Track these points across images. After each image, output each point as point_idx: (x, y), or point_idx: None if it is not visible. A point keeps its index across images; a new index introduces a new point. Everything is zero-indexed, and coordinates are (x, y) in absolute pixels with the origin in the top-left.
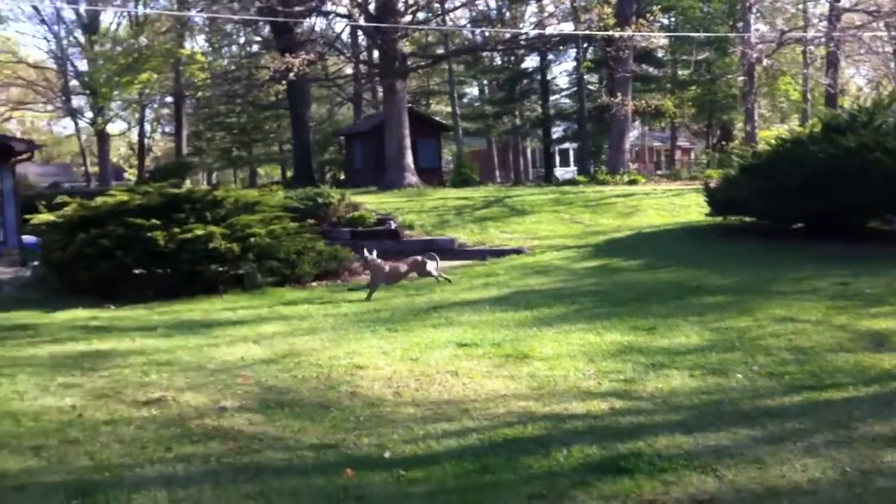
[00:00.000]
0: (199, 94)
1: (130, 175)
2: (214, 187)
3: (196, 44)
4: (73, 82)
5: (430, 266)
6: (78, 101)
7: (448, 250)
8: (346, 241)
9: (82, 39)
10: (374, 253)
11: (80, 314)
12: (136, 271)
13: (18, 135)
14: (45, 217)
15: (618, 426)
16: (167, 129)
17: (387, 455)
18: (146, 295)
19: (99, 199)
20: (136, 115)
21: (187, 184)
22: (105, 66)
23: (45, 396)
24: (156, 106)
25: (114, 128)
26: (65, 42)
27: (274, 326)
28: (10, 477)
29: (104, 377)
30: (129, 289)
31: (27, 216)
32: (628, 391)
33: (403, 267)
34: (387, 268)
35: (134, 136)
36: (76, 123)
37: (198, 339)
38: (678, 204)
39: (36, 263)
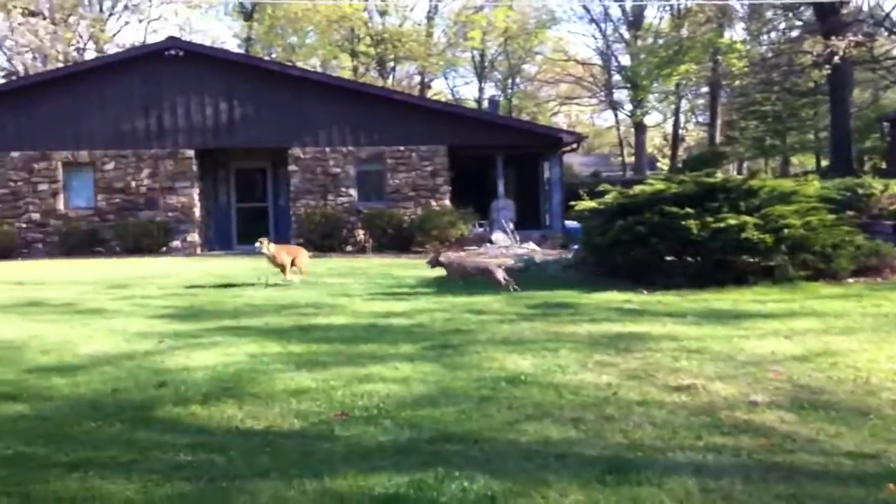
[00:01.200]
0: (736, 82)
1: (662, 165)
2: (750, 176)
3: (735, 32)
4: (616, 77)
5: (498, 274)
6: (619, 95)
7: None
8: (889, 235)
9: (627, 35)
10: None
11: (614, 296)
12: (668, 258)
13: (565, 127)
14: (587, 204)
15: None
16: (700, 119)
17: None
18: (676, 282)
19: (637, 188)
20: (672, 107)
21: (718, 174)
22: (647, 60)
23: (583, 372)
24: (691, 96)
25: (650, 119)
26: (610, 39)
27: (806, 322)
28: (551, 444)
29: (637, 359)
30: (659, 275)
31: (570, 203)
32: None
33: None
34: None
35: (668, 127)
36: (616, 116)
37: (727, 329)
38: None
39: (576, 247)
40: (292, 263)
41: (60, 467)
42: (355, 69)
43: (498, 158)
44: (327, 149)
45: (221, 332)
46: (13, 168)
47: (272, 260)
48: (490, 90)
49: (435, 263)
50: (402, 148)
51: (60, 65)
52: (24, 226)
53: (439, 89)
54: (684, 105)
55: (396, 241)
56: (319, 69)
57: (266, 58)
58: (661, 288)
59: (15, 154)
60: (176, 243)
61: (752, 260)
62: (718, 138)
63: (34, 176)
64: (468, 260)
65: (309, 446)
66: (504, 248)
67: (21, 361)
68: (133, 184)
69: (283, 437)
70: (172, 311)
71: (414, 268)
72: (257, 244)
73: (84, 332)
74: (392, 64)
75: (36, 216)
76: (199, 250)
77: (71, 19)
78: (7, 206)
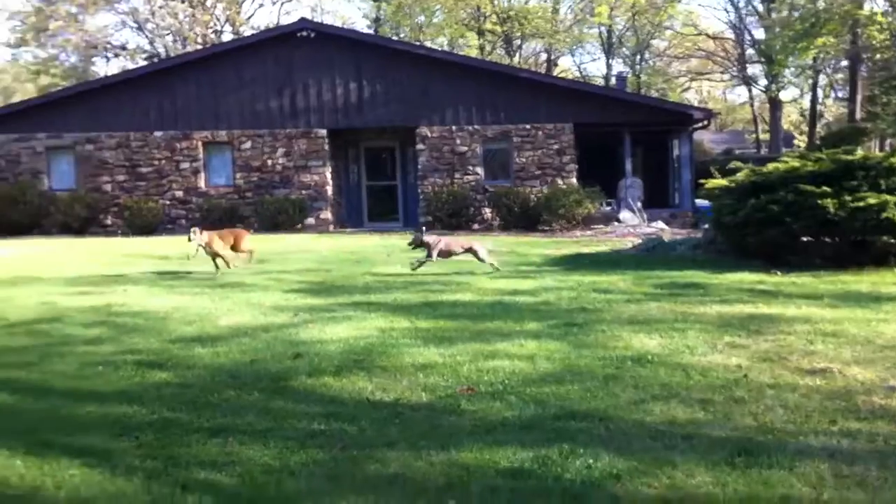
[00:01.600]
0: (877, 56)
1: (800, 142)
2: (891, 153)
3: (875, 4)
4: (749, 51)
5: (482, 252)
6: (752, 69)
7: None
8: None
9: (760, 8)
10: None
11: (746, 277)
12: (803, 239)
13: (695, 104)
14: (717, 182)
15: None
16: (840, 95)
17: None
18: (812, 263)
19: (770, 166)
20: (809, 81)
21: (858, 151)
22: (781, 34)
23: (712, 353)
24: (829, 71)
25: (786, 94)
26: (743, 12)
27: None
28: (678, 425)
29: (769, 341)
30: (794, 256)
31: (701, 181)
32: None
33: (458, 248)
34: (441, 245)
35: (805, 103)
36: (750, 91)
37: (865, 311)
38: None
39: (706, 226)
40: (234, 248)
41: (202, 432)
42: (482, 48)
43: (625, 136)
44: (454, 127)
45: (353, 306)
46: (157, 147)
47: (206, 248)
48: (618, 67)
49: (419, 244)
50: (527, 126)
51: (199, 47)
52: (168, 202)
53: (566, 67)
54: (822, 80)
55: (523, 219)
56: (447, 48)
57: (394, 38)
58: (795, 269)
59: (158, 133)
60: (310, 220)
61: (893, 241)
62: (859, 114)
63: (176, 155)
64: (454, 240)
65: (436, 419)
66: (632, 226)
67: (165, 332)
68: (269, 162)
69: (412, 409)
70: (307, 285)
71: (540, 246)
72: (190, 235)
73: (224, 305)
74: (518, 42)
75: (179, 193)
76: (331, 227)
77: (208, 2)
78: (152, 183)
